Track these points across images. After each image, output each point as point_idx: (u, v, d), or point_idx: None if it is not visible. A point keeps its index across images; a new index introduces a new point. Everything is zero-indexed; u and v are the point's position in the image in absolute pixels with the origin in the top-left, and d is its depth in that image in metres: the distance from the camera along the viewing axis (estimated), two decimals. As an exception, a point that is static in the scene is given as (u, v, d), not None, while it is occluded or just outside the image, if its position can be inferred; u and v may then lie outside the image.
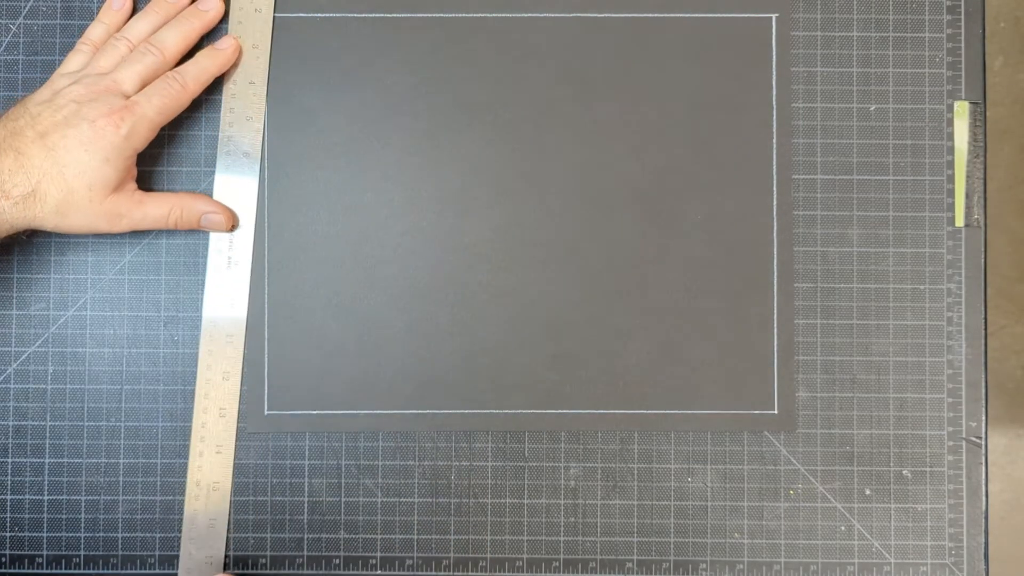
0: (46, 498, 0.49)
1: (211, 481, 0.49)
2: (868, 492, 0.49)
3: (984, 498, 0.49)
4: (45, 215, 0.43)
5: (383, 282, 0.49)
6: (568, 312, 0.49)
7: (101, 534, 0.49)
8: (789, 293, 0.49)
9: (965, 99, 0.50)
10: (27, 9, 0.50)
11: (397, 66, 0.49)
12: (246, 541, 0.49)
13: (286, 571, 0.49)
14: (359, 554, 0.49)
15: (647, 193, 0.49)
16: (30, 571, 0.49)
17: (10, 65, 0.50)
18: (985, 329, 0.49)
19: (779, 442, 0.49)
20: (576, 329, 0.49)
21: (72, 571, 0.48)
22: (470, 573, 0.49)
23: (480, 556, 0.49)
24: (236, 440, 0.49)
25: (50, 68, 0.49)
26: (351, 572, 0.49)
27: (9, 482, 0.49)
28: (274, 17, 0.49)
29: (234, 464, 0.49)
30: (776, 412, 0.49)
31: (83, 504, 0.49)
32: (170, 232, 0.49)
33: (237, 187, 0.49)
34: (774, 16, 0.50)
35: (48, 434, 0.49)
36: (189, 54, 0.48)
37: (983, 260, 0.50)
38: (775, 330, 0.49)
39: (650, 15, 0.49)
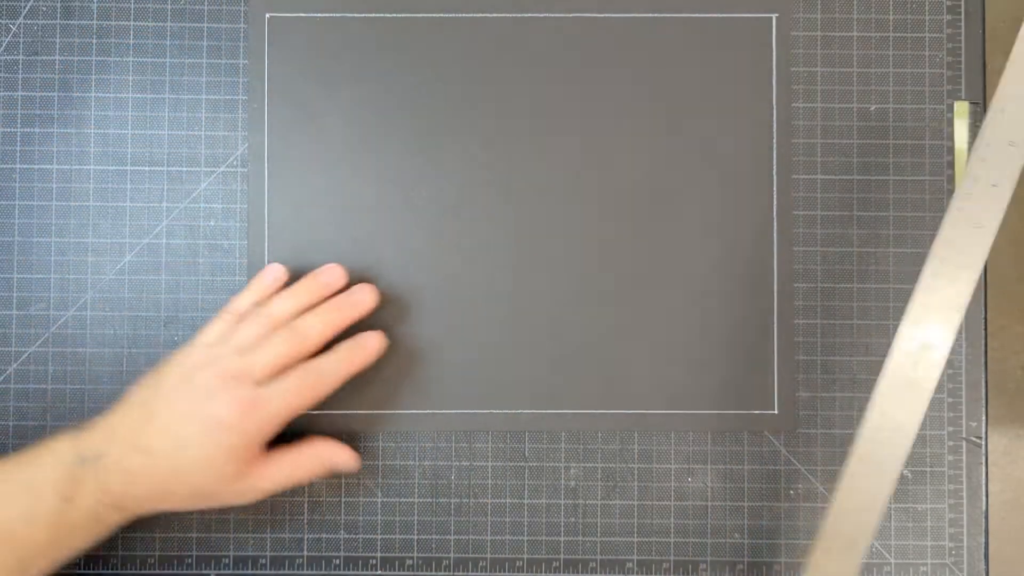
0: (46, 498, 0.49)
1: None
2: (868, 492, 0.49)
3: (984, 498, 0.49)
4: (175, 504, 0.43)
5: (382, 282, 0.49)
6: (568, 312, 0.49)
7: (101, 534, 0.49)
8: (789, 293, 0.49)
9: (965, 99, 0.50)
10: (27, 9, 0.50)
11: (397, 66, 0.49)
12: (246, 541, 0.49)
13: (286, 571, 0.49)
14: (359, 554, 0.49)
15: (647, 193, 0.49)
16: (30, 571, 0.48)
17: (10, 65, 0.50)
18: (985, 329, 0.49)
19: (779, 442, 0.49)
20: (575, 329, 0.49)
21: (72, 571, 0.48)
22: (470, 573, 0.49)
23: (480, 556, 0.49)
24: (236, 440, 0.49)
25: (50, 68, 0.49)
26: (351, 572, 0.49)
27: (9, 482, 0.49)
28: (272, 17, 0.49)
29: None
30: (776, 412, 0.49)
31: (83, 504, 0.49)
32: (170, 232, 0.49)
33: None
34: (774, 16, 0.50)
35: (48, 434, 0.49)
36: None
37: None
38: (775, 330, 0.49)
39: (650, 15, 0.49)
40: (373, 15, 0.49)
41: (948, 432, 0.49)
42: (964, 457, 0.49)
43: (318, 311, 0.45)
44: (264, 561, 0.49)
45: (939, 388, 0.49)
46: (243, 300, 0.46)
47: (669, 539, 0.49)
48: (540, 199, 0.49)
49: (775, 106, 0.49)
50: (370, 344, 0.46)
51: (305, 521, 0.49)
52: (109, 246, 0.49)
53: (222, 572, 0.49)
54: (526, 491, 0.49)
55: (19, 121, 0.49)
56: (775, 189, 0.49)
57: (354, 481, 0.49)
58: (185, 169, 0.49)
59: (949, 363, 0.49)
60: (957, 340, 0.49)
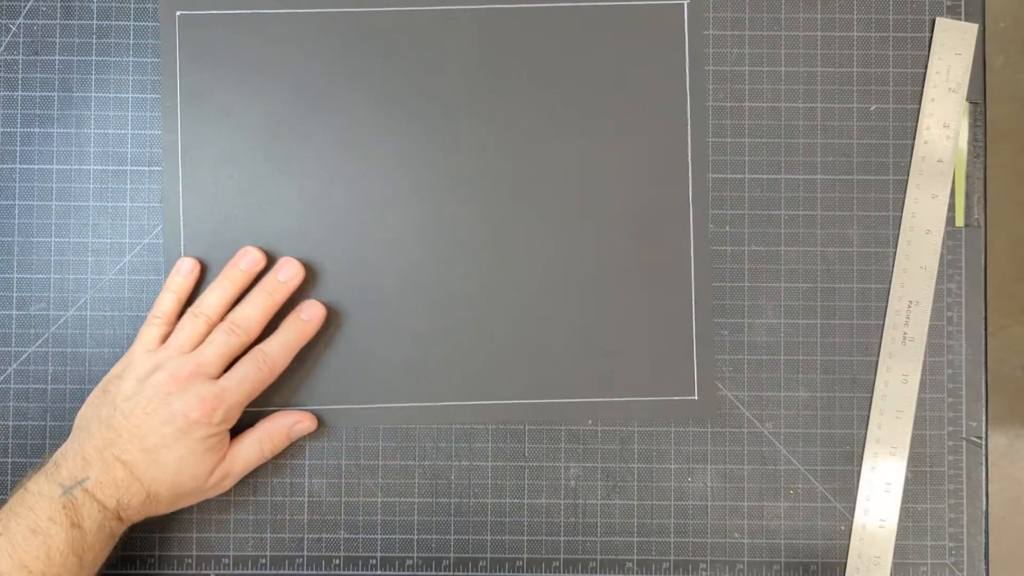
0: (46, 498, 0.49)
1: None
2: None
3: (984, 498, 0.49)
4: (159, 508, 0.44)
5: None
6: (491, 305, 0.49)
7: (101, 534, 0.49)
8: (707, 280, 0.49)
9: (965, 99, 0.50)
10: (27, 9, 0.50)
11: (312, 62, 0.49)
12: (246, 541, 0.49)
13: (286, 571, 0.49)
14: (359, 554, 0.49)
15: (567, 186, 0.49)
16: (30, 571, 0.48)
17: (10, 65, 0.50)
18: (985, 329, 0.49)
19: (779, 442, 0.49)
20: (499, 322, 0.49)
21: (72, 571, 0.48)
22: (470, 573, 0.49)
23: (480, 556, 0.49)
24: (236, 440, 0.49)
25: (50, 68, 0.49)
26: (351, 572, 0.49)
27: (9, 482, 0.49)
28: (184, 15, 0.49)
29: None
30: (696, 398, 0.49)
31: (83, 504, 0.49)
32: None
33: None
34: (685, 3, 0.49)
35: (48, 434, 0.49)
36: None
37: (983, 260, 0.50)
38: (693, 317, 0.49)
39: (567, 4, 0.49)
40: (287, 11, 0.49)
41: (948, 432, 0.49)
42: (964, 457, 0.49)
43: (250, 299, 0.46)
44: (264, 561, 0.49)
45: (939, 388, 0.49)
46: (165, 301, 0.47)
47: (669, 539, 0.49)
48: (458, 193, 0.49)
49: (689, 97, 0.49)
50: (312, 314, 0.47)
51: (305, 521, 0.49)
52: (109, 246, 0.49)
53: (222, 572, 0.49)
54: (526, 491, 0.49)
55: (19, 121, 0.49)
56: (691, 180, 0.49)
57: (354, 481, 0.49)
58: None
59: (949, 363, 0.49)
60: (957, 340, 0.49)
